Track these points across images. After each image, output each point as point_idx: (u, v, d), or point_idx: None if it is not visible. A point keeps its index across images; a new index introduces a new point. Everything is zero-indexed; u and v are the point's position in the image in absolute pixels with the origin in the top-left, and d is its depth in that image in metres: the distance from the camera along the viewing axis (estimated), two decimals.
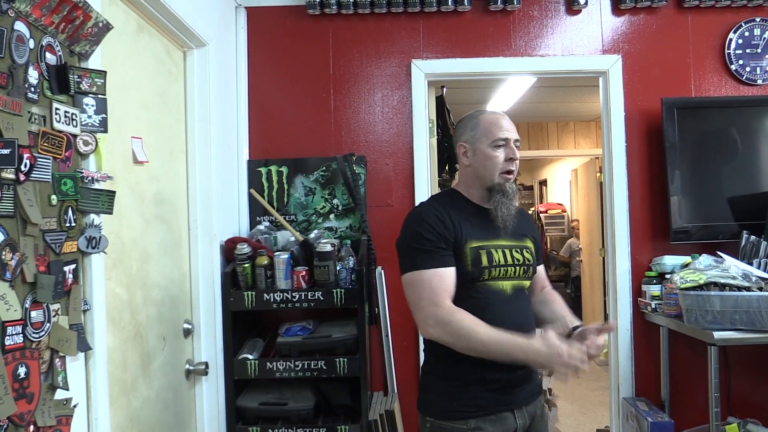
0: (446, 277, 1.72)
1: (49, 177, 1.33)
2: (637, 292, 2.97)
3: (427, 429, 1.80)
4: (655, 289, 2.85)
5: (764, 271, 2.56)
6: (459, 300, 1.76)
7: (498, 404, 1.75)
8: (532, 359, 1.64)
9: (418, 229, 1.76)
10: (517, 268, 1.82)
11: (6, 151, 1.18)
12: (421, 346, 2.87)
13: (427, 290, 1.71)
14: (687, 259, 2.81)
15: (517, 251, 1.83)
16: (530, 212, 8.72)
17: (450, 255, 1.74)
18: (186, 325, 2.32)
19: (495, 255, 1.78)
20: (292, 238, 2.73)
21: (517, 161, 1.84)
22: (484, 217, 1.83)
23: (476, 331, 1.64)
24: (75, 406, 1.40)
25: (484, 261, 1.76)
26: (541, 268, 2.04)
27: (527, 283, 1.88)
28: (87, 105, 1.48)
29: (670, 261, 2.85)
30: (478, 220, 1.82)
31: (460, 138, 1.90)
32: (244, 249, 2.51)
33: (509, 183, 1.82)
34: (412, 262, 1.74)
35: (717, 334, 2.33)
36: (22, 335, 1.22)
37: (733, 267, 2.49)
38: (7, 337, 1.18)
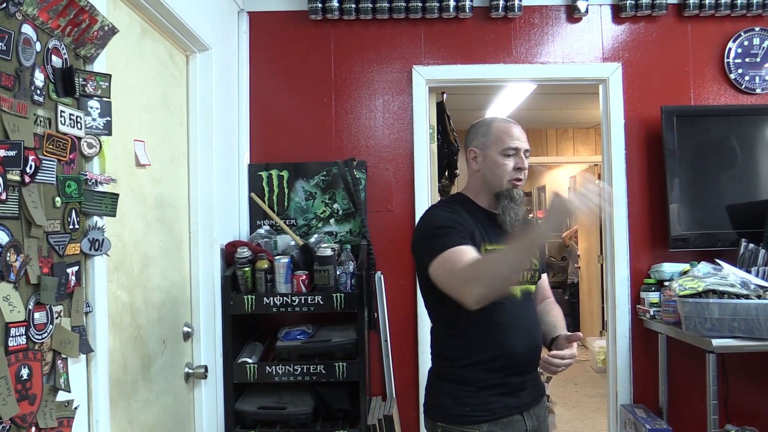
0: (465, 252, 1.65)
1: (54, 179, 1.34)
2: (635, 299, 2.98)
3: None
4: (653, 296, 2.86)
5: (763, 279, 2.57)
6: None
7: (508, 408, 1.76)
8: (547, 224, 1.58)
9: (432, 221, 1.77)
10: (526, 272, 1.84)
11: (12, 153, 1.18)
12: (420, 352, 2.88)
13: (450, 267, 1.64)
14: (686, 266, 2.81)
15: None
16: (529, 218, 8.72)
17: (468, 238, 1.70)
18: (186, 329, 2.32)
19: None
20: (293, 243, 2.73)
21: (526, 171, 1.85)
22: (493, 222, 1.84)
23: (490, 258, 1.65)
24: (76, 408, 1.40)
25: None
26: (544, 277, 2.05)
27: (533, 287, 1.90)
28: (92, 108, 1.49)
29: (668, 268, 2.86)
30: (488, 225, 1.84)
31: (471, 143, 1.89)
32: (244, 253, 2.52)
33: (517, 189, 1.83)
34: (432, 252, 1.69)
35: (715, 342, 2.34)
36: (25, 337, 1.22)
37: (731, 275, 2.50)
38: (11, 339, 1.18)
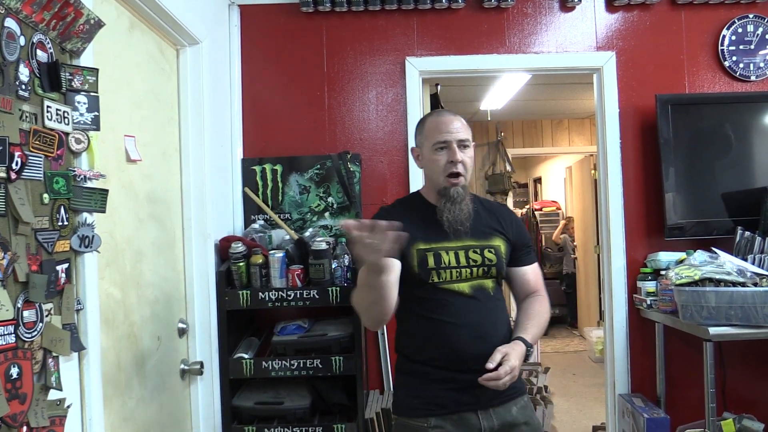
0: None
1: (41, 175, 1.32)
2: (632, 289, 2.98)
3: (393, 426, 1.82)
4: (650, 286, 2.85)
5: (759, 266, 2.57)
6: (413, 301, 1.78)
7: (459, 404, 1.72)
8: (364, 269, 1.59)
9: None
10: (475, 269, 1.78)
11: None
12: None
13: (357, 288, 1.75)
14: (682, 255, 2.81)
15: (475, 252, 1.79)
16: (525, 209, 8.73)
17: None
18: (181, 325, 2.31)
19: (444, 257, 1.76)
20: (287, 237, 2.72)
21: (464, 162, 1.78)
22: (439, 219, 1.79)
23: (355, 292, 1.69)
24: (69, 407, 1.39)
25: (431, 263, 1.75)
26: (529, 270, 1.93)
27: (489, 282, 1.81)
28: (79, 103, 1.47)
29: (665, 257, 2.86)
30: (432, 222, 1.80)
31: (414, 142, 1.92)
32: (238, 248, 2.50)
33: (455, 188, 1.78)
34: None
35: (712, 330, 2.34)
36: (14, 335, 1.21)
37: (727, 263, 2.50)
38: None
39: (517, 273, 1.92)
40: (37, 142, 1.31)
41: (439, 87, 3.99)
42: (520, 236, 1.92)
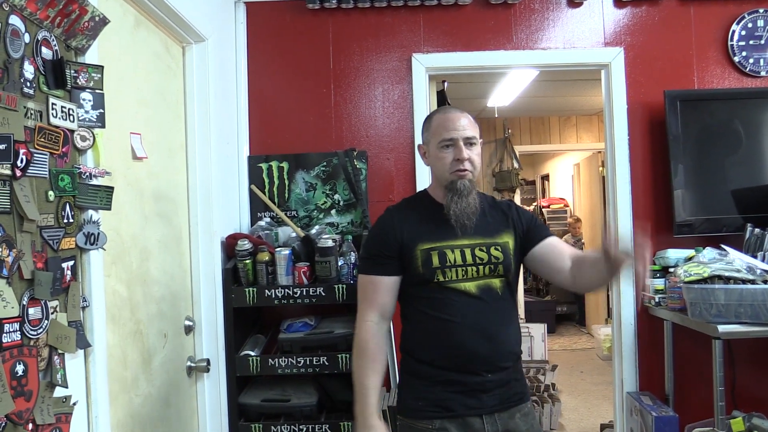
0: (379, 285, 1.80)
1: (46, 173, 1.32)
2: (640, 286, 2.95)
3: (398, 427, 1.80)
4: (658, 283, 2.83)
5: None
6: (420, 299, 1.77)
7: (464, 407, 1.70)
8: (356, 417, 1.74)
9: (367, 237, 1.90)
10: (481, 267, 1.75)
11: (1, 147, 1.16)
12: None
13: (361, 296, 1.83)
14: (691, 252, 2.79)
15: (481, 249, 1.76)
16: (532, 206, 8.70)
17: (390, 263, 1.79)
18: (187, 322, 2.31)
19: (450, 255, 1.73)
20: (294, 234, 2.71)
21: (472, 159, 1.76)
22: (445, 217, 1.77)
23: (360, 359, 1.76)
24: (74, 404, 1.39)
25: (435, 262, 1.73)
26: (553, 240, 1.87)
27: (497, 281, 1.77)
28: (84, 100, 1.46)
29: (673, 254, 2.83)
30: (438, 221, 1.78)
31: (421, 139, 1.90)
32: (245, 245, 2.50)
33: (462, 180, 1.75)
34: (360, 267, 1.89)
35: (721, 328, 2.32)
36: (19, 332, 1.21)
37: (737, 260, 2.48)
38: (5, 335, 1.16)
39: (542, 249, 1.84)
40: (42, 140, 1.31)
41: (446, 84, 3.97)
42: (527, 220, 1.87)
